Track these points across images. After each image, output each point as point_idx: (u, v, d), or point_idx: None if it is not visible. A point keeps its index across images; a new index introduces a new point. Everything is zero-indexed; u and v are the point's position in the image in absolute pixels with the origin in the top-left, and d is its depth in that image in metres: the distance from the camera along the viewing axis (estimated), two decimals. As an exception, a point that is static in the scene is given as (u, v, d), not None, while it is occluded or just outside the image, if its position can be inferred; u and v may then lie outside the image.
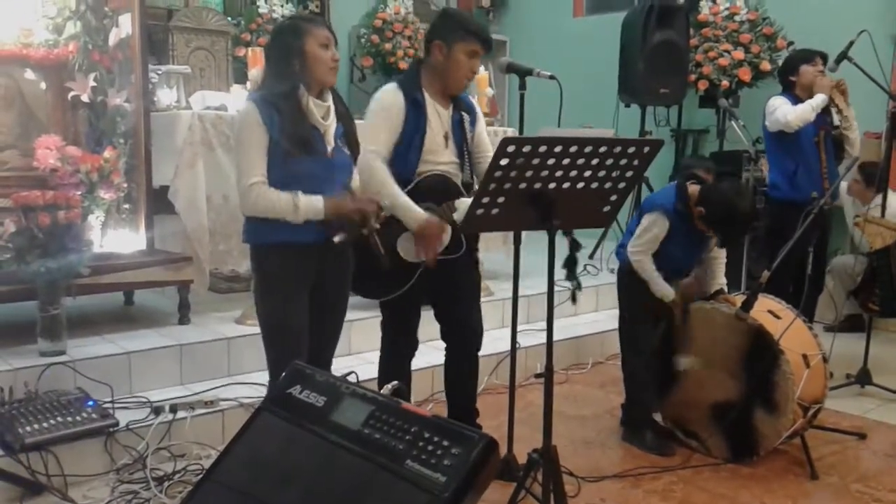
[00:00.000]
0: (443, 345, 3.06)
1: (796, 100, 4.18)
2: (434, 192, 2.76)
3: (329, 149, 2.51)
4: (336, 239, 2.45)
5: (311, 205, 2.41)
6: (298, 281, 2.53)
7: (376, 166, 2.68)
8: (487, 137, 2.99)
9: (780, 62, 4.71)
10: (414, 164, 2.76)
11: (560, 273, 2.47)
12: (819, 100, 4.09)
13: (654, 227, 3.21)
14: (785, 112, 4.08)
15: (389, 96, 2.76)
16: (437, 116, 2.81)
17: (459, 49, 2.72)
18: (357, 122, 2.70)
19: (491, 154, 2.92)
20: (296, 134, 2.41)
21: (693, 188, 3.17)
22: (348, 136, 2.60)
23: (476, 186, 2.86)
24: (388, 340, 3.02)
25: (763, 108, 4.32)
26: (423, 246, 2.71)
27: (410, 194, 2.72)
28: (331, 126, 2.53)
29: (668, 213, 3.19)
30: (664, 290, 3.23)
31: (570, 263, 2.62)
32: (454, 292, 2.93)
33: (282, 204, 2.40)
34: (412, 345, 3.01)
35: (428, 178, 2.77)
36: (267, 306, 2.57)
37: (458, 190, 2.82)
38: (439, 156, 2.80)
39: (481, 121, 2.97)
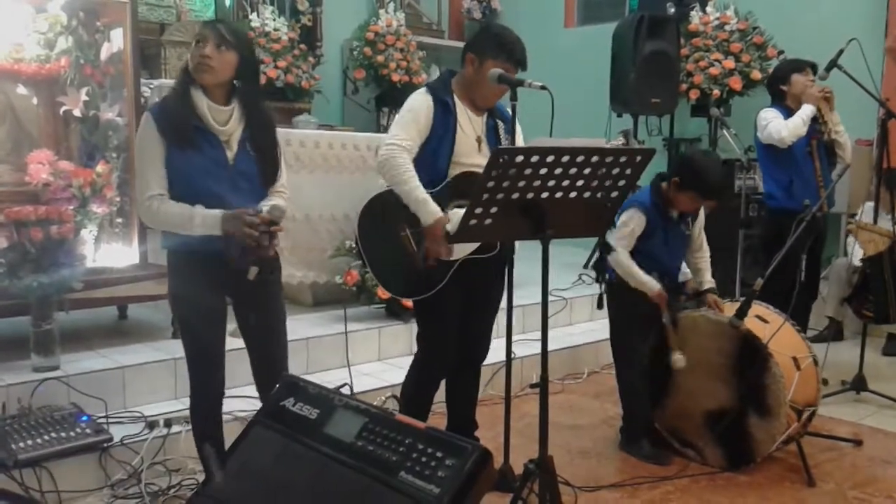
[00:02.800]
0: None
1: (787, 110, 4.20)
2: (466, 190, 2.67)
3: (230, 154, 2.44)
4: (250, 276, 2.33)
5: (208, 217, 2.34)
6: (212, 289, 2.47)
7: (398, 157, 2.66)
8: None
9: (771, 71, 4.74)
10: (444, 165, 2.75)
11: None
12: (808, 111, 4.12)
13: (630, 222, 3.23)
14: (778, 128, 4.10)
15: (418, 97, 2.79)
16: (469, 121, 2.80)
17: (490, 66, 2.71)
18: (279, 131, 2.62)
19: None
20: (175, 129, 2.36)
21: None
22: (256, 141, 2.48)
23: None
24: (424, 357, 2.95)
25: (754, 118, 4.33)
26: (434, 244, 2.67)
27: (442, 191, 2.72)
28: (233, 132, 2.45)
29: (644, 208, 3.22)
30: (647, 282, 3.19)
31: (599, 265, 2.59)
32: (479, 301, 2.92)
33: (176, 216, 2.36)
34: (447, 363, 2.93)
35: (458, 177, 2.75)
36: (181, 318, 2.56)
37: None
38: (473, 158, 2.78)
39: (519, 133, 2.87)
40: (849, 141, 4.26)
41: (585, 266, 5.72)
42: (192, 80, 2.41)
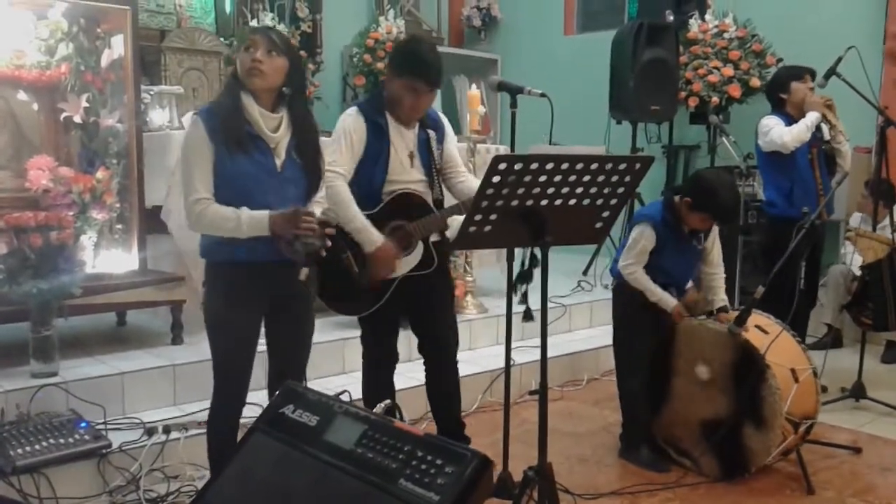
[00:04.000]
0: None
1: (788, 118, 4.20)
2: (402, 210, 2.83)
3: (279, 162, 2.45)
4: (301, 276, 2.33)
5: (256, 219, 2.34)
6: (250, 301, 2.48)
7: (336, 186, 2.72)
8: (457, 151, 3.03)
9: (770, 78, 4.74)
10: (379, 185, 2.82)
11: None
12: (813, 118, 4.11)
13: (641, 238, 3.23)
14: (781, 134, 4.09)
15: (350, 120, 2.83)
16: (401, 137, 2.85)
17: (399, 82, 2.76)
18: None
19: (462, 167, 2.99)
20: (229, 134, 2.35)
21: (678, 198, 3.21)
22: (302, 149, 2.49)
23: (446, 203, 2.93)
24: (368, 354, 3.08)
25: (754, 125, 4.34)
26: (377, 268, 2.77)
27: (379, 213, 2.79)
28: (283, 139, 2.46)
29: (655, 224, 3.22)
30: (664, 298, 3.22)
31: (522, 278, 2.60)
32: (427, 303, 2.98)
33: (224, 219, 2.35)
34: (391, 358, 3.07)
35: (395, 198, 2.83)
36: (213, 328, 2.53)
37: (428, 207, 2.87)
38: (406, 175, 2.85)
39: (450, 136, 3.00)
40: (849, 150, 4.27)
41: (584, 273, 5.72)
42: (242, 86, 2.41)
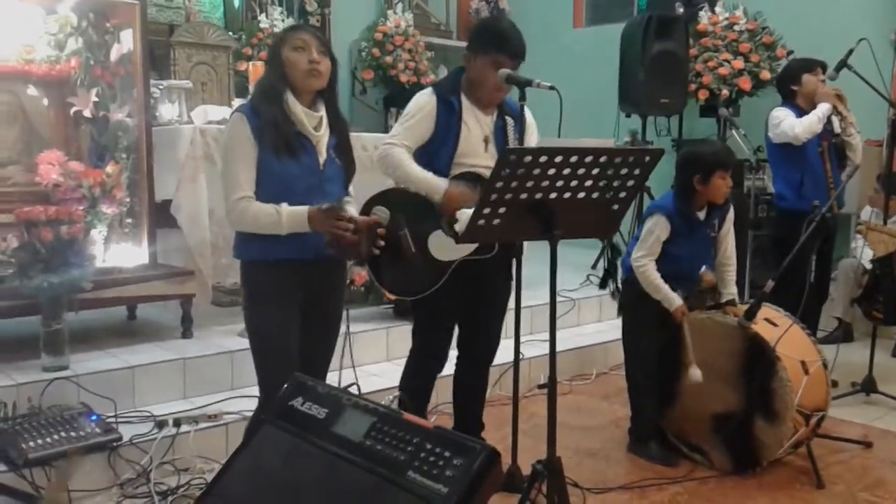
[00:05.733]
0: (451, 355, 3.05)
1: (798, 110, 4.18)
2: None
3: (321, 160, 2.47)
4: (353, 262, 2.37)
5: (295, 215, 2.35)
6: (286, 299, 2.48)
7: (391, 151, 2.70)
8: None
9: (781, 70, 4.72)
10: (447, 163, 2.75)
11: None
12: (824, 109, 4.08)
13: (655, 228, 3.22)
14: (792, 125, 4.07)
15: (422, 98, 2.79)
16: (477, 120, 2.79)
17: (484, 60, 2.70)
18: (353, 133, 2.68)
19: None
20: (279, 137, 2.36)
21: None
22: (340, 146, 2.55)
23: None
24: (417, 351, 2.99)
25: (764, 118, 4.32)
26: (454, 204, 2.64)
27: None
28: (323, 137, 2.48)
29: (668, 214, 3.21)
30: (669, 297, 3.21)
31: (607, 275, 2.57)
32: (483, 302, 2.93)
33: (266, 216, 2.36)
34: (441, 358, 2.98)
35: (462, 174, 2.75)
36: (255, 325, 2.53)
37: None
38: (477, 159, 2.77)
39: (532, 129, 2.87)
40: (860, 143, 4.24)
41: (594, 267, 5.70)
42: (286, 85, 2.41)
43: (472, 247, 2.73)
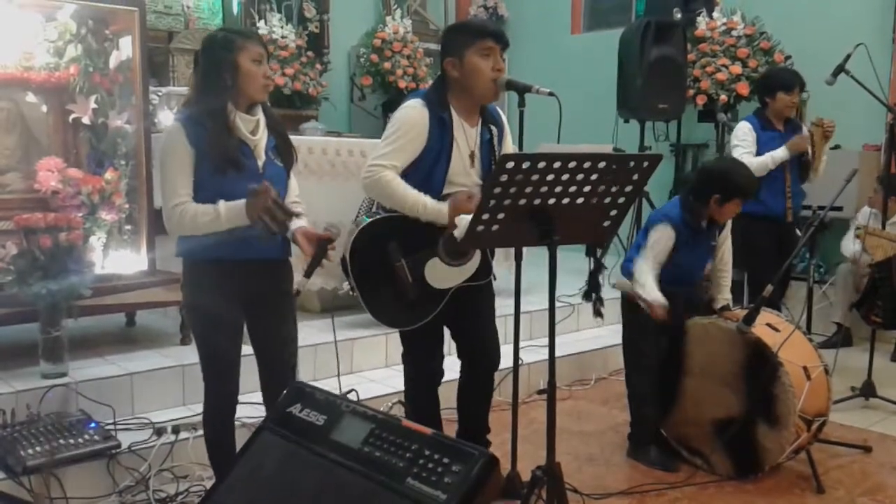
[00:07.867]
0: (450, 363, 3.04)
1: (766, 123, 4.25)
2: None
3: (260, 163, 2.45)
4: (296, 286, 2.39)
5: (233, 208, 2.31)
6: (229, 298, 2.46)
7: (389, 178, 2.57)
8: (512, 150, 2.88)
9: (761, 75, 4.74)
10: (439, 186, 2.65)
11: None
12: (781, 155, 4.17)
13: (663, 238, 3.20)
14: (742, 157, 4.05)
15: (414, 113, 2.63)
16: (464, 136, 2.70)
17: (471, 54, 2.62)
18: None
19: None
20: (223, 152, 2.34)
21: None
22: (280, 148, 2.52)
23: None
24: (414, 371, 2.95)
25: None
26: (459, 212, 2.57)
27: None
28: (261, 140, 2.46)
29: (675, 224, 3.20)
30: (653, 294, 3.11)
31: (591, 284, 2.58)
32: (475, 310, 2.90)
33: (203, 214, 2.34)
34: (439, 371, 2.96)
35: (450, 196, 2.67)
36: (196, 328, 2.54)
37: None
38: (465, 177, 2.69)
39: (508, 135, 2.85)
40: (823, 169, 4.30)
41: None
42: (231, 94, 2.38)
43: (468, 273, 2.74)
